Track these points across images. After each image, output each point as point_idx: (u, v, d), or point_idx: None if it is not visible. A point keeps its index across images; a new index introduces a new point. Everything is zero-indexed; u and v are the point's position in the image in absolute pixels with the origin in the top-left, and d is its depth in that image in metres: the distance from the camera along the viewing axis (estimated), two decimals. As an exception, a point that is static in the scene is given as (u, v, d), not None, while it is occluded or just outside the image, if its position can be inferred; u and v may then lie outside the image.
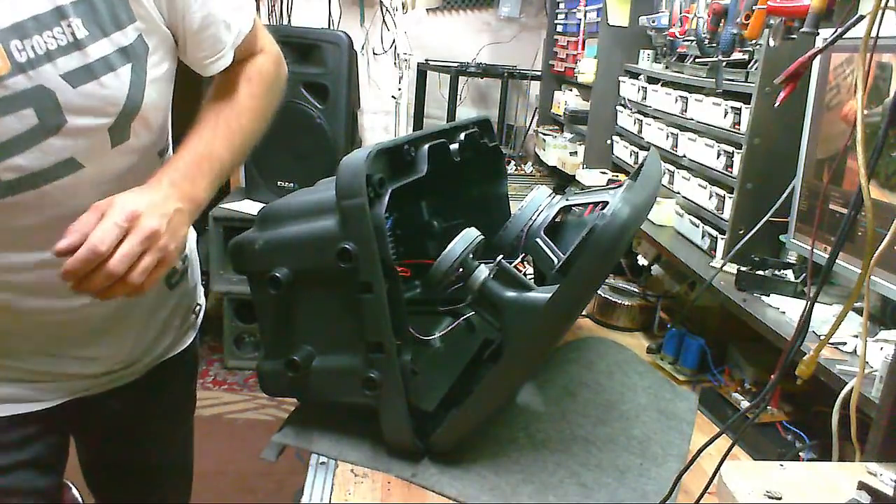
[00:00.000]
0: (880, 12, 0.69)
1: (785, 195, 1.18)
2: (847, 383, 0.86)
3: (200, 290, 1.24)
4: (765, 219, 1.20)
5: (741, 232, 1.25)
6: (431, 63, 3.35)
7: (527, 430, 1.04)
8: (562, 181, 2.35)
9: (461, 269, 0.98)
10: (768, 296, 1.16)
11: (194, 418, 1.35)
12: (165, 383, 1.17)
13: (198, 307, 1.22)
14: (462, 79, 3.26)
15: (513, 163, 2.83)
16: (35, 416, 1.00)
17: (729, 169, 1.30)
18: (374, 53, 3.37)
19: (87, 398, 1.05)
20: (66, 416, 1.04)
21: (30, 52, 0.74)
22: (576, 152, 2.26)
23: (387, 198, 0.89)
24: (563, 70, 2.52)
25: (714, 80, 1.38)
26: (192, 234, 1.16)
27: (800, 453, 1.00)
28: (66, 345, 0.99)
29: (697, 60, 1.51)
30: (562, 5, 2.61)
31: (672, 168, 1.53)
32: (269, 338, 1.02)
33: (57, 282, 0.75)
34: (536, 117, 2.91)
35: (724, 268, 1.23)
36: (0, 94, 0.74)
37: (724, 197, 1.31)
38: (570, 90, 2.50)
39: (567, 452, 0.99)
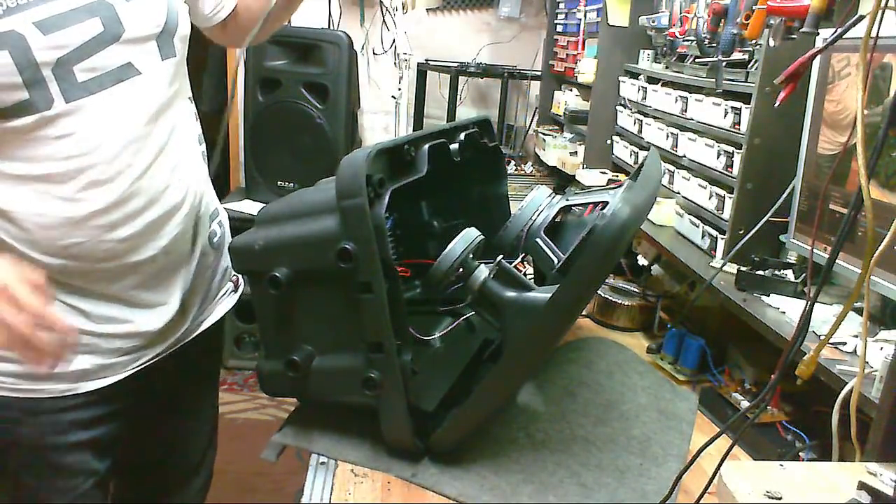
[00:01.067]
0: (880, 12, 0.69)
1: (785, 195, 1.18)
2: (847, 383, 0.86)
3: None
4: (765, 219, 1.20)
5: (741, 232, 1.24)
6: (431, 63, 3.35)
7: (527, 430, 1.04)
8: (562, 181, 2.34)
9: (461, 269, 0.98)
10: (768, 296, 1.16)
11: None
12: (198, 358, 1.22)
13: (235, 276, 1.28)
14: (462, 79, 3.25)
15: (513, 163, 2.83)
16: (103, 394, 1.05)
17: (729, 169, 1.30)
18: (374, 53, 3.37)
19: (139, 376, 1.09)
20: (125, 397, 1.09)
21: None
22: (576, 152, 2.26)
23: (387, 198, 0.89)
24: (563, 70, 2.52)
25: (714, 80, 1.38)
26: (225, 213, 1.25)
27: (800, 453, 1.00)
28: (132, 285, 1.04)
29: (697, 60, 1.51)
30: (562, 5, 2.60)
31: (672, 168, 1.53)
32: (269, 338, 1.02)
33: (131, 194, 0.97)
34: (536, 117, 2.91)
35: (724, 268, 1.23)
36: (74, 5, 0.91)
37: (724, 197, 1.31)
38: (570, 90, 2.50)
39: (567, 452, 0.99)
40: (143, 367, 1.09)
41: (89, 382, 1.04)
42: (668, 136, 1.56)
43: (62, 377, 1.01)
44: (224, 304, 1.25)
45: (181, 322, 1.13)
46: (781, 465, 0.77)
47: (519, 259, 1.10)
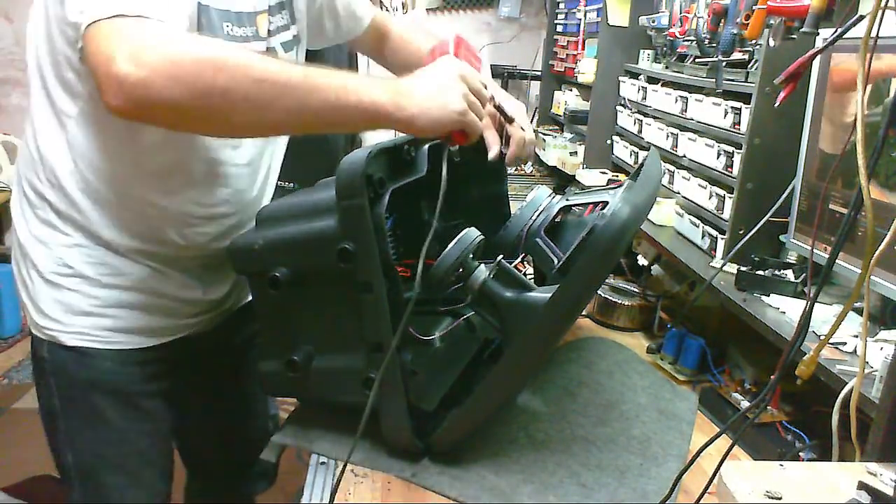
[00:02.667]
0: (880, 12, 0.69)
1: (785, 195, 1.18)
2: (847, 383, 0.86)
3: None
4: (765, 219, 1.20)
5: (741, 232, 1.24)
6: (431, 63, 3.35)
7: (527, 430, 1.04)
8: (562, 181, 2.34)
9: (461, 270, 0.98)
10: (768, 296, 1.16)
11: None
12: (242, 325, 1.29)
13: None
14: (462, 79, 3.25)
15: (513, 163, 2.82)
16: (175, 347, 1.15)
17: (729, 169, 1.30)
18: (374, 53, 3.37)
19: (202, 334, 1.19)
20: (190, 352, 1.18)
21: (272, 25, 1.11)
22: (576, 152, 2.26)
23: (387, 198, 0.89)
24: (563, 70, 2.52)
25: (714, 80, 1.38)
26: None
27: (800, 453, 1.00)
28: (201, 266, 1.14)
29: (697, 60, 1.51)
30: (562, 5, 2.60)
31: (672, 168, 1.53)
32: (269, 338, 1.02)
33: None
34: (536, 117, 2.91)
35: (724, 268, 1.23)
36: (264, 47, 1.08)
37: (724, 197, 1.31)
38: (570, 90, 2.50)
39: (567, 452, 0.99)
40: (206, 326, 1.19)
41: (166, 338, 1.14)
42: (668, 136, 1.56)
43: (145, 331, 1.11)
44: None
45: (238, 293, 1.23)
46: (781, 465, 0.77)
47: (519, 259, 1.10)
